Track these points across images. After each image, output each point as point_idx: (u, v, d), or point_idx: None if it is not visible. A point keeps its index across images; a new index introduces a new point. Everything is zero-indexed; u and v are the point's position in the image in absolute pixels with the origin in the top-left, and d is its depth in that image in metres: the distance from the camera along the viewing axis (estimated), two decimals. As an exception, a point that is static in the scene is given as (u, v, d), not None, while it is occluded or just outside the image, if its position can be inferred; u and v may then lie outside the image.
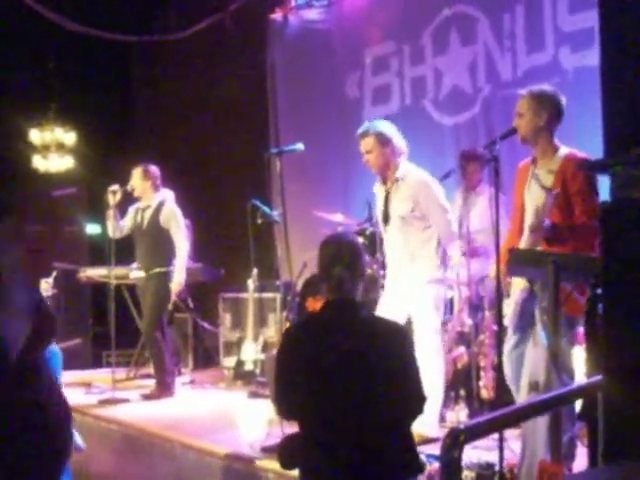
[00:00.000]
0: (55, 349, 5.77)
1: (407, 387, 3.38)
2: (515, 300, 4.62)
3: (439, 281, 5.58)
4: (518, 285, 4.61)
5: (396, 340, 3.44)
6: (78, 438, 5.88)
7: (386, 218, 5.69)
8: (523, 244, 4.55)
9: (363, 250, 3.64)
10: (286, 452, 3.52)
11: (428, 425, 5.28)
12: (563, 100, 4.63)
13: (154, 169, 7.87)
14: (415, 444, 3.49)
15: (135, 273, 7.86)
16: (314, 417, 3.39)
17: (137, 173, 7.81)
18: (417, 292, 5.51)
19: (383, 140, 5.56)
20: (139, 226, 7.84)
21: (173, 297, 7.75)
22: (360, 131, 5.66)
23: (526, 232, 4.52)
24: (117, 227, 7.73)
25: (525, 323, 4.55)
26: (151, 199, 7.82)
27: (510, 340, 4.62)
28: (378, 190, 5.81)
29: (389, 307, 5.50)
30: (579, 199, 4.40)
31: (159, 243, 7.72)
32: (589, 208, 4.35)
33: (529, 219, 4.54)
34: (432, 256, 5.56)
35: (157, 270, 7.67)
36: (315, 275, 7.39)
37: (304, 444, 3.42)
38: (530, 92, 4.64)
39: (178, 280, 7.64)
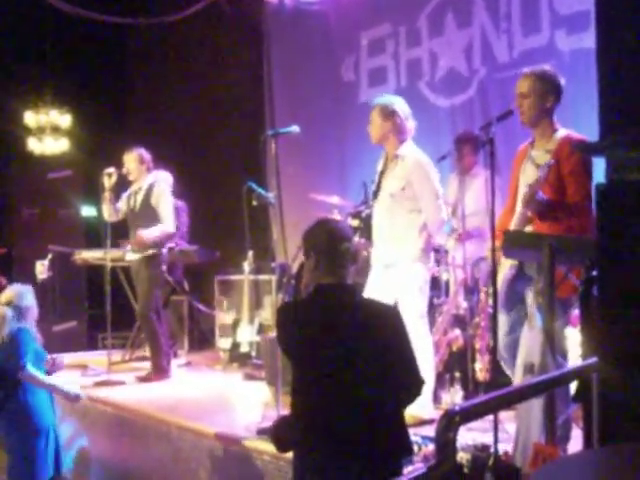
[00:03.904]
0: (24, 326, 5.87)
1: (403, 370, 3.39)
2: (503, 279, 4.59)
3: (423, 262, 5.53)
4: (505, 264, 4.59)
5: (392, 323, 3.43)
6: (74, 388, 5.99)
7: (376, 193, 5.69)
8: (515, 220, 4.52)
9: (350, 235, 3.61)
10: (279, 435, 3.52)
11: (422, 407, 5.30)
12: (563, 81, 4.60)
13: (146, 152, 7.89)
14: (406, 426, 3.49)
15: (129, 255, 7.85)
16: (308, 399, 3.39)
17: (133, 157, 7.82)
18: (400, 275, 5.47)
19: (384, 113, 5.55)
20: (132, 208, 7.84)
21: (138, 241, 7.64)
22: (371, 102, 5.70)
23: (518, 207, 4.50)
24: (113, 210, 7.74)
25: (512, 303, 4.54)
26: (143, 181, 7.83)
27: (503, 324, 4.59)
28: (378, 164, 5.79)
29: (376, 289, 5.47)
30: (572, 179, 4.39)
31: (151, 224, 7.70)
32: (581, 188, 4.35)
33: (521, 196, 4.51)
34: (415, 239, 5.48)
35: (150, 252, 7.65)
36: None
37: (297, 426, 3.42)
38: (534, 72, 4.57)
39: (148, 232, 7.58)
